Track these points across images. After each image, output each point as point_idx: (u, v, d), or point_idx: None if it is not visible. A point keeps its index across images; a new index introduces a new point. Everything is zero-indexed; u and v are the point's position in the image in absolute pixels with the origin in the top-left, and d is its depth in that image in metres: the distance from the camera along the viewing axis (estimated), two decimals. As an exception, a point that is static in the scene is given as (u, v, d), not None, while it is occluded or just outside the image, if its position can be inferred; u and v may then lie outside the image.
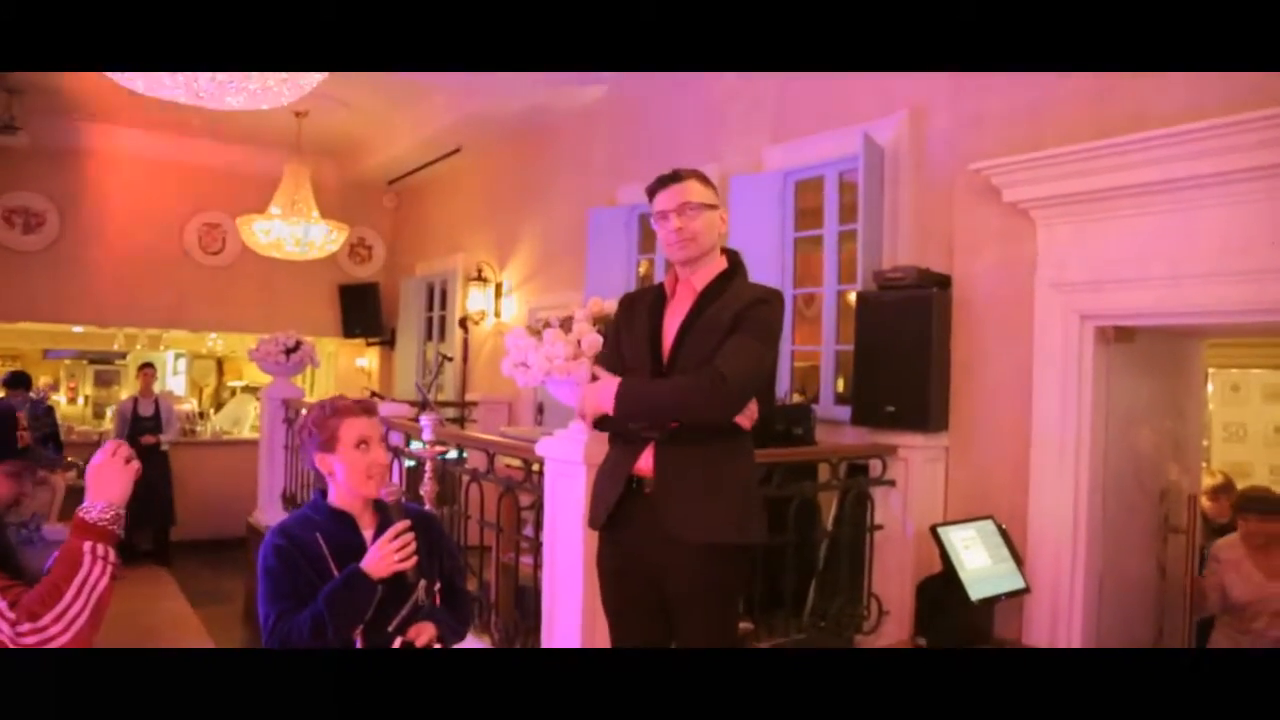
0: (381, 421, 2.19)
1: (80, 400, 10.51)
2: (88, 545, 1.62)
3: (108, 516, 1.67)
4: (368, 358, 10.09)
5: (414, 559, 2.05)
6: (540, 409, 6.58)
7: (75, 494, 6.55)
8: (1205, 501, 4.28)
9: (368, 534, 2.14)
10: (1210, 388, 5.98)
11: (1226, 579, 3.64)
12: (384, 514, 2.17)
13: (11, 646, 1.47)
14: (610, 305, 2.95)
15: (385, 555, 2.02)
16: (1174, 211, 3.10)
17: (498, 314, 7.58)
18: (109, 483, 1.71)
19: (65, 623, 1.53)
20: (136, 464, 1.77)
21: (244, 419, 10.40)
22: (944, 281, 3.80)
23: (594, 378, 2.54)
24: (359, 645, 2.04)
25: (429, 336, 8.81)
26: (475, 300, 7.63)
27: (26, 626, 1.50)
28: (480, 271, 7.69)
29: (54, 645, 1.50)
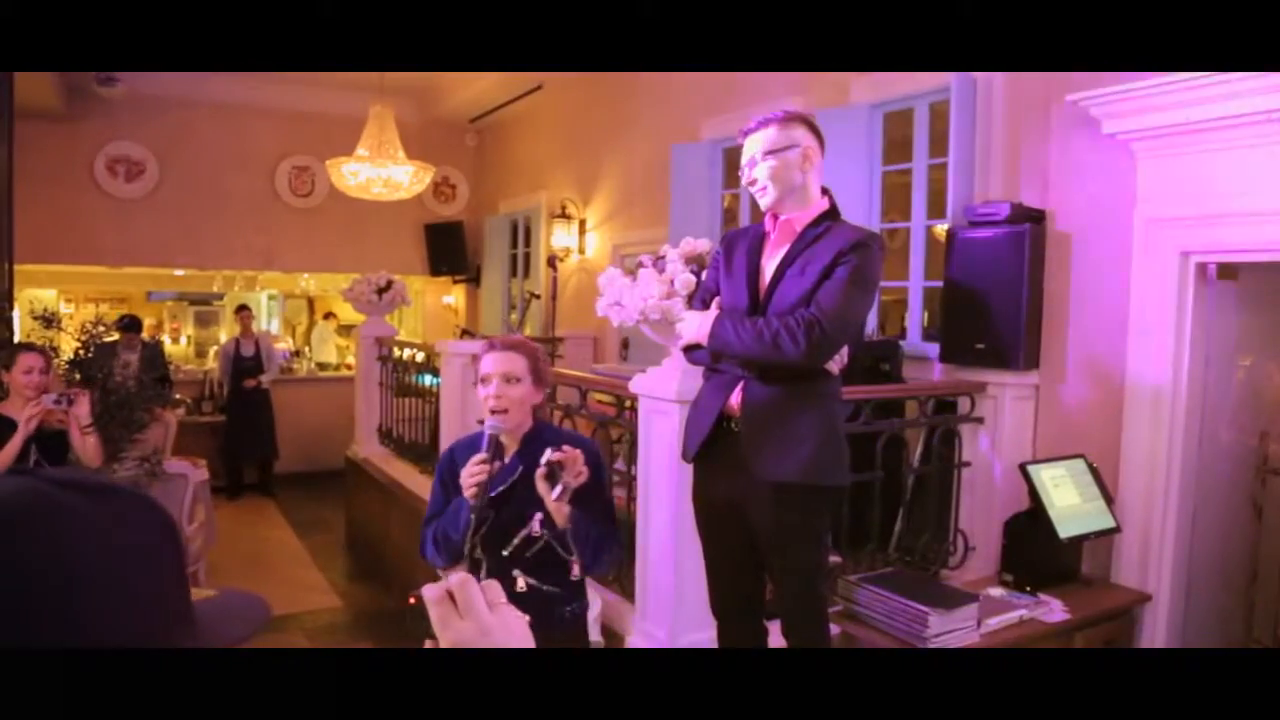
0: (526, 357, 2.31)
1: (182, 340, 10.94)
2: None
3: None
4: (454, 295, 10.29)
5: (474, 488, 2.11)
6: (625, 344, 6.68)
7: (185, 429, 6.92)
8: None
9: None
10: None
11: None
12: (532, 441, 2.29)
13: None
14: (701, 245, 2.99)
15: (463, 481, 2.14)
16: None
17: (582, 250, 7.65)
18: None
19: None
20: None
21: (322, 344, 10.89)
22: (1038, 216, 3.73)
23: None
24: (484, 561, 2.22)
25: (514, 273, 8.94)
26: (559, 237, 7.71)
27: None
28: (564, 208, 7.75)
29: None
